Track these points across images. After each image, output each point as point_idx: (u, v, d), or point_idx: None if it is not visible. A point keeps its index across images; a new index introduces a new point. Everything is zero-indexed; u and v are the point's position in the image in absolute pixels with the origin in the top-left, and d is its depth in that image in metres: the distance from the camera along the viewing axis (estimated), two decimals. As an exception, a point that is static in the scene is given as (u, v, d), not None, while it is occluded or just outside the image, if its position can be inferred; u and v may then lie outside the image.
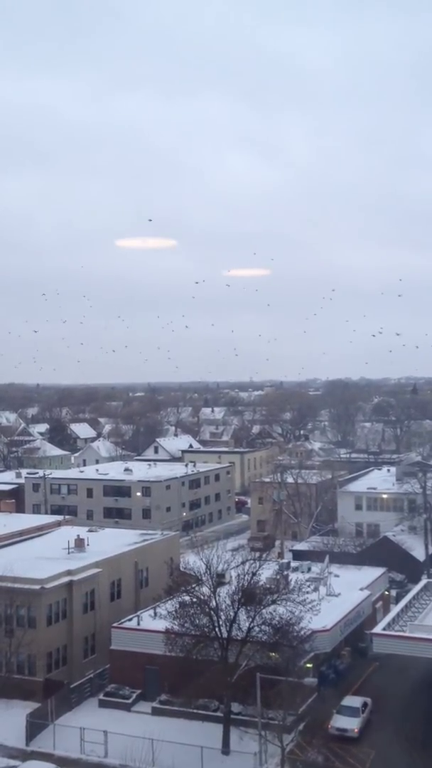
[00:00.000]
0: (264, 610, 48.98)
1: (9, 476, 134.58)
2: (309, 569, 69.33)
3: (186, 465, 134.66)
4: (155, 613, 56.77)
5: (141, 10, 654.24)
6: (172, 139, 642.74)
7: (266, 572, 58.29)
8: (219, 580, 52.36)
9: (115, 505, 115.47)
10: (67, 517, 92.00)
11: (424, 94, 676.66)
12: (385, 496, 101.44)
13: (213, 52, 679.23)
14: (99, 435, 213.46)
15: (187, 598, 51.53)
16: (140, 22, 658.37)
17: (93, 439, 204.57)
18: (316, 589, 61.21)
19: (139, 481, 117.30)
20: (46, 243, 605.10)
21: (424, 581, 65.06)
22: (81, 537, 69.11)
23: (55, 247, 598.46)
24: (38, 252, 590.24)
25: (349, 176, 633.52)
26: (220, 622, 48.40)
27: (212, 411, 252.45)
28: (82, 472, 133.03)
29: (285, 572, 64.03)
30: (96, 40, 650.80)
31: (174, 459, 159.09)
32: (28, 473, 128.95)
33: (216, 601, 49.02)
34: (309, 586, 59.28)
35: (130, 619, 58.71)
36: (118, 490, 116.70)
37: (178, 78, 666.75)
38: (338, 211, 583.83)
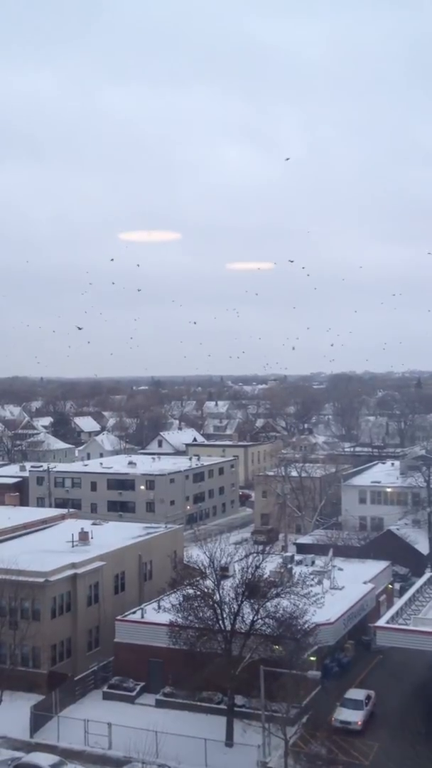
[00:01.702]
0: (268, 603, 49.06)
1: (13, 469, 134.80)
2: (313, 562, 69.38)
3: (190, 458, 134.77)
4: (159, 606, 56.95)
5: (129, 2, 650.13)
6: (164, 132, 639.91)
7: (270, 565, 58.36)
8: (223, 573, 52.52)
9: (119, 498, 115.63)
10: (71, 510, 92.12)
11: (418, 85, 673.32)
12: (389, 489, 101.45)
13: (202, 44, 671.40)
14: (103, 428, 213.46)
15: (190, 591, 51.57)
16: (127, 15, 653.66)
17: (97, 433, 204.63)
18: (319, 583, 61.23)
19: (143, 474, 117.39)
20: (44, 236, 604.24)
21: (427, 574, 65.03)
22: (85, 530, 69.15)
23: (53, 240, 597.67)
24: (35, 245, 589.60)
25: (346, 168, 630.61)
26: (224, 615, 48.49)
27: (216, 405, 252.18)
28: (86, 465, 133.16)
29: (289, 565, 64.17)
30: (84, 32, 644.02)
31: (178, 452, 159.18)
32: (32, 466, 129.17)
33: (220, 595, 49.10)
34: (313, 580, 59.37)
35: (134, 612, 58.82)
36: (122, 483, 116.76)
37: (168, 71, 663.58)
38: (335, 204, 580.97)
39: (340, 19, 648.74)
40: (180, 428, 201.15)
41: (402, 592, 67.35)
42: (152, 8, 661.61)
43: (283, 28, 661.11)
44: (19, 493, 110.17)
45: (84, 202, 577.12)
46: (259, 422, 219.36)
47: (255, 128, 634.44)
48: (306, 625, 49.50)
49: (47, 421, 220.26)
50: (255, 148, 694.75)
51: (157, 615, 55.99)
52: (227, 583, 50.75)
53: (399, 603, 56.94)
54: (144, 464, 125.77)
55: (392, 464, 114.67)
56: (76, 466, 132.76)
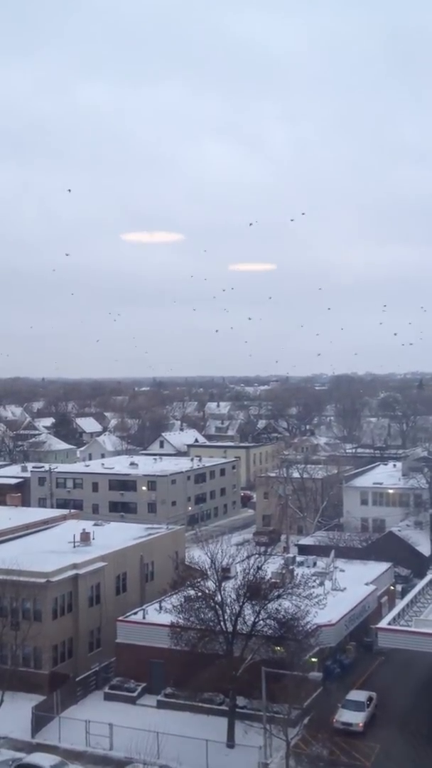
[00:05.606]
0: (269, 605, 49.06)
1: (15, 470, 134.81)
2: (314, 564, 69.36)
3: (191, 459, 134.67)
4: (160, 607, 56.95)
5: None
6: (139, 129, 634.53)
7: (272, 567, 58.37)
8: (224, 574, 52.50)
9: (121, 499, 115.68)
10: (72, 511, 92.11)
11: (398, 77, 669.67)
12: (390, 491, 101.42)
13: (179, 39, 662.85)
14: (105, 429, 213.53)
15: (192, 592, 51.58)
16: (103, 10, 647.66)
17: (99, 434, 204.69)
18: (321, 584, 61.29)
19: (144, 475, 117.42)
20: (33, 236, 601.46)
21: (429, 576, 64.89)
22: (86, 531, 69.25)
23: (43, 240, 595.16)
24: (26, 245, 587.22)
25: (330, 165, 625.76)
26: (226, 617, 48.48)
27: (218, 405, 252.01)
28: (87, 466, 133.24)
29: (290, 567, 64.16)
30: (58, 28, 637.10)
31: (179, 453, 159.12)
32: (33, 467, 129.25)
33: (221, 596, 49.10)
34: (314, 581, 59.41)
35: (135, 613, 58.79)
36: (124, 484, 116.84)
37: (145, 67, 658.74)
38: (324, 203, 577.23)
39: (313, 14, 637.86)
40: (181, 429, 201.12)
41: (404, 593, 67.28)
42: (128, 3, 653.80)
43: (257, 23, 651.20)
44: (21, 493, 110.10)
45: (70, 200, 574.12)
46: (261, 423, 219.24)
47: (236, 124, 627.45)
48: (307, 627, 49.50)
49: (49, 421, 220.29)
50: (237, 144, 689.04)
51: (158, 616, 55.98)
52: (229, 585, 50.75)
53: (401, 604, 56.88)
54: (145, 465, 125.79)
55: (394, 466, 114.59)
56: (78, 467, 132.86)
